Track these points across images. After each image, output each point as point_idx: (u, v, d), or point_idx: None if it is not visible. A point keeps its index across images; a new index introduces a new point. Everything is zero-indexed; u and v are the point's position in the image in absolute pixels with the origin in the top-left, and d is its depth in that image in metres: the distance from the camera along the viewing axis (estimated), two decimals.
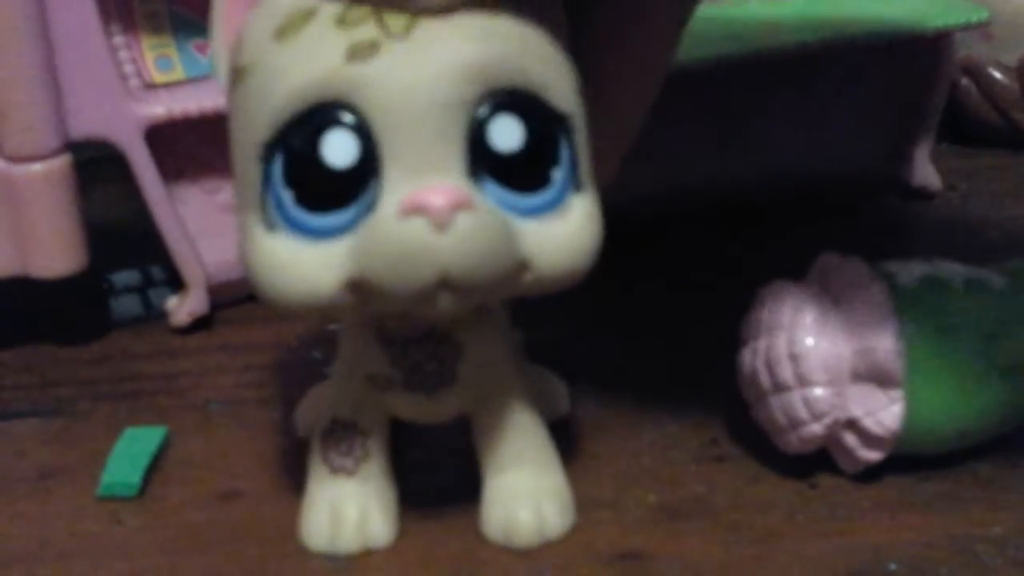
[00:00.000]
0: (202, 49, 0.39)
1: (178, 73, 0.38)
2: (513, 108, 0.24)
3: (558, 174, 0.24)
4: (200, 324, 0.39)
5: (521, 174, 0.24)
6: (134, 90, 0.37)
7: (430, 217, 0.23)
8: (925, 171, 0.46)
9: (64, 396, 0.36)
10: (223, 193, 0.39)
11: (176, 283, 0.39)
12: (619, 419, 0.33)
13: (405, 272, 0.23)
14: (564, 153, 0.25)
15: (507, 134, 0.24)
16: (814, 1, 0.43)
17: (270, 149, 0.23)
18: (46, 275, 0.37)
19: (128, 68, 0.37)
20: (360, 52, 0.23)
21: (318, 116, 0.23)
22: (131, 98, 0.37)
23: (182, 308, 0.39)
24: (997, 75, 0.51)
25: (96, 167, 0.39)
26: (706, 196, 0.44)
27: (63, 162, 0.36)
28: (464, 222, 0.23)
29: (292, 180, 0.23)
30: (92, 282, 0.38)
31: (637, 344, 0.37)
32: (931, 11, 0.42)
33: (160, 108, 0.37)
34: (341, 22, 0.23)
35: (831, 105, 0.45)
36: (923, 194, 0.47)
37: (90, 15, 0.35)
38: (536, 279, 0.25)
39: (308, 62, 0.23)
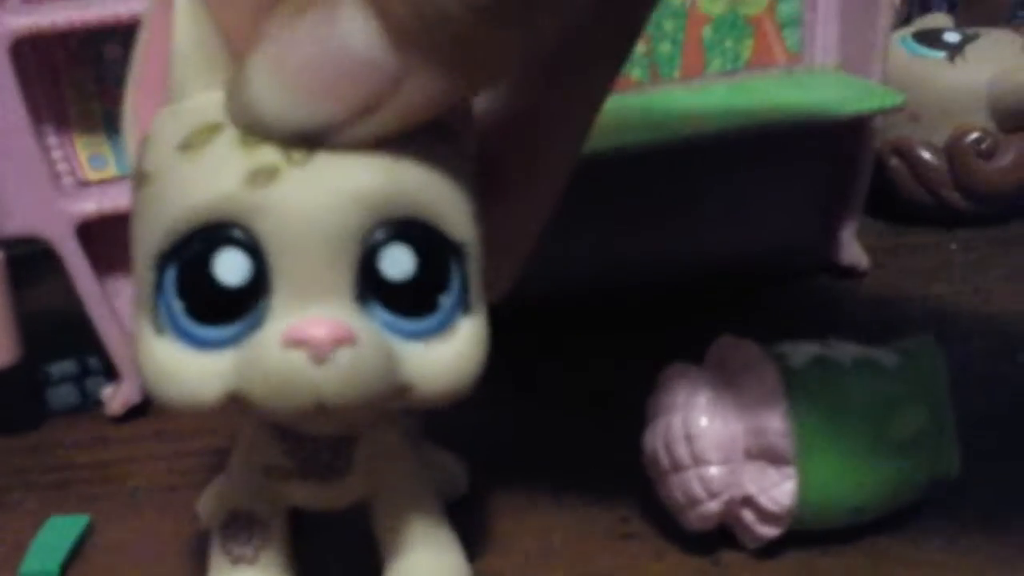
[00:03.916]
0: None
1: (111, 170, 0.39)
2: (406, 238, 0.24)
3: (446, 300, 0.25)
4: (135, 412, 0.40)
5: (409, 300, 0.24)
6: (67, 187, 0.38)
7: (310, 351, 0.23)
8: (852, 251, 0.48)
9: None
10: None
11: (112, 372, 0.40)
12: (532, 498, 0.34)
13: (283, 398, 0.24)
14: (455, 279, 0.25)
15: (398, 263, 0.24)
16: (735, 90, 0.45)
17: (164, 259, 0.24)
18: None
19: (62, 167, 0.38)
20: (259, 178, 0.23)
21: (213, 234, 0.23)
22: (63, 195, 0.38)
23: (116, 397, 0.40)
24: (926, 155, 0.52)
25: (37, 260, 0.40)
26: (633, 278, 0.45)
27: None
28: (343, 357, 0.23)
29: (183, 292, 0.24)
30: (28, 373, 0.39)
31: (552, 423, 0.38)
32: (848, 97, 0.44)
33: (91, 204, 0.37)
34: (245, 142, 0.23)
35: (757, 190, 0.46)
36: (852, 273, 0.48)
37: (20, 117, 0.36)
38: (417, 399, 0.25)
39: (208, 181, 0.23)
